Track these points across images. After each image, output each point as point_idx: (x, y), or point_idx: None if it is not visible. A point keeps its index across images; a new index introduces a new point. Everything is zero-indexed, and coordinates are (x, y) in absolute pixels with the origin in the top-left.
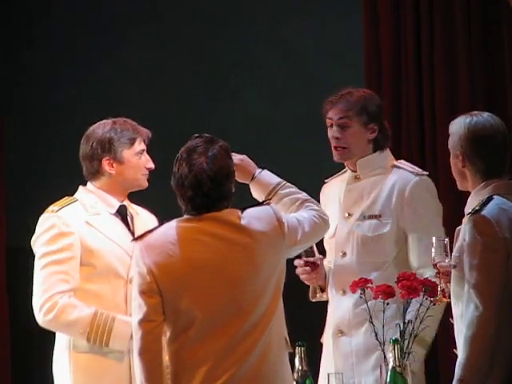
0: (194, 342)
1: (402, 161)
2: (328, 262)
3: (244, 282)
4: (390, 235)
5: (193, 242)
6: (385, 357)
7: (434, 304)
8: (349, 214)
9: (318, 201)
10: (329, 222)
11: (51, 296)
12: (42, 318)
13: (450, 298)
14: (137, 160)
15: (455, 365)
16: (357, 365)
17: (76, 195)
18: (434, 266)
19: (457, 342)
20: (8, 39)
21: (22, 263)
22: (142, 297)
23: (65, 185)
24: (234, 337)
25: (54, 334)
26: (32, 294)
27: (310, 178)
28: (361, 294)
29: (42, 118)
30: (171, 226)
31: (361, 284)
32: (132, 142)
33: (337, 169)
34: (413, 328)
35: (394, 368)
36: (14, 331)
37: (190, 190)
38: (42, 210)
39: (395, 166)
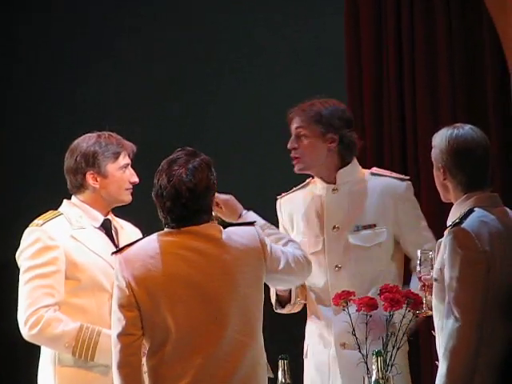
0: (171, 358)
1: (376, 168)
2: (311, 278)
3: (221, 299)
4: (387, 243)
5: (172, 256)
6: (368, 369)
7: (417, 317)
8: (336, 227)
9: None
10: (311, 266)
11: (36, 310)
12: (27, 332)
13: (432, 330)
14: (120, 174)
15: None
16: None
17: (60, 209)
18: (419, 278)
19: (438, 354)
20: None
21: (7, 277)
22: (120, 310)
23: (50, 199)
24: (213, 355)
25: (38, 347)
26: (17, 309)
27: None
28: (343, 306)
29: (32, 132)
30: (151, 239)
31: (343, 296)
32: (116, 156)
33: None
34: (396, 340)
35: (377, 380)
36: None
37: (168, 200)
38: (27, 224)
39: (373, 174)
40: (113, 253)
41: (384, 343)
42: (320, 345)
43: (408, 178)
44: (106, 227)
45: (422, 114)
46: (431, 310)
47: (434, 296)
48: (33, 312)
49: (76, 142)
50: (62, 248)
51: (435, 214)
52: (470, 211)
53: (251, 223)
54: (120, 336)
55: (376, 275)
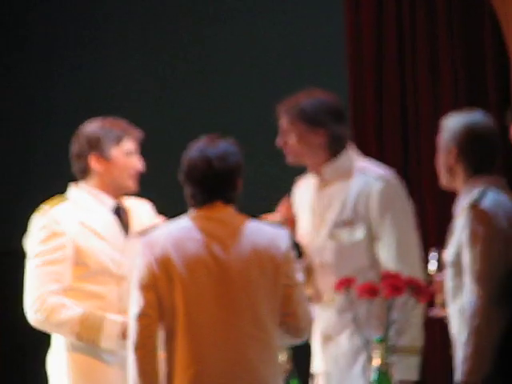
0: (187, 344)
1: (364, 162)
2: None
3: (239, 291)
4: (365, 241)
5: (194, 242)
6: (370, 356)
7: (419, 303)
8: (321, 222)
9: None
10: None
11: (41, 295)
12: (32, 317)
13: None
14: (124, 159)
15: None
16: (346, 368)
17: (67, 194)
18: (431, 279)
19: (455, 338)
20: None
21: (9, 267)
22: (139, 291)
23: (52, 188)
24: (222, 346)
25: (44, 335)
26: (22, 297)
27: None
28: (346, 293)
29: (29, 123)
30: (176, 224)
31: (345, 283)
32: (119, 139)
33: None
34: (397, 327)
35: (378, 367)
36: (3, 336)
37: (200, 172)
38: (29, 213)
39: (359, 171)
40: (136, 234)
41: (385, 330)
42: (315, 334)
43: (390, 174)
44: (116, 211)
45: (424, 103)
46: (444, 309)
47: (448, 280)
48: (38, 297)
49: (81, 126)
50: (70, 234)
51: (437, 202)
52: (485, 191)
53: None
54: (137, 317)
55: (357, 272)
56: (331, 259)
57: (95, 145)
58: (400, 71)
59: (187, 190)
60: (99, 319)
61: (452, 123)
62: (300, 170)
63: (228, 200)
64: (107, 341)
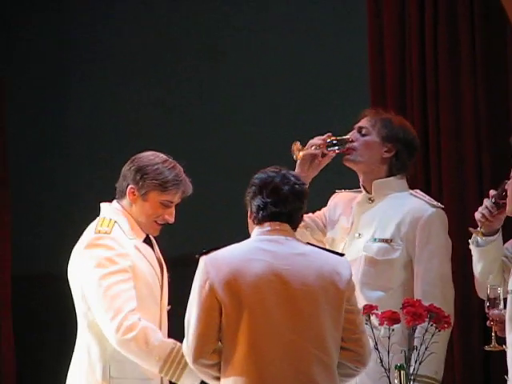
0: (252, 364)
1: (418, 190)
2: None
3: (305, 314)
4: (399, 261)
5: (260, 263)
6: (390, 383)
7: (440, 330)
8: (359, 235)
9: None
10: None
11: (126, 315)
12: (120, 336)
13: (504, 345)
14: (157, 206)
15: None
16: None
17: (112, 216)
18: (487, 314)
19: (510, 368)
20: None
21: (26, 291)
22: (199, 312)
23: (72, 214)
24: (286, 365)
25: (62, 361)
26: (41, 322)
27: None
28: (366, 320)
29: (47, 148)
30: (240, 244)
31: (366, 310)
32: (164, 189)
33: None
34: (418, 354)
35: None
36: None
37: (273, 198)
38: (46, 239)
39: (411, 195)
40: (199, 255)
41: (406, 357)
42: None
43: (442, 206)
44: (148, 240)
45: (445, 121)
46: (500, 345)
47: (508, 308)
48: (124, 317)
49: (143, 154)
50: (131, 257)
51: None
52: None
53: (341, 254)
54: (196, 337)
55: (382, 289)
56: (361, 273)
57: (138, 179)
58: (422, 105)
59: (256, 205)
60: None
61: None
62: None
63: (294, 224)
64: (189, 377)
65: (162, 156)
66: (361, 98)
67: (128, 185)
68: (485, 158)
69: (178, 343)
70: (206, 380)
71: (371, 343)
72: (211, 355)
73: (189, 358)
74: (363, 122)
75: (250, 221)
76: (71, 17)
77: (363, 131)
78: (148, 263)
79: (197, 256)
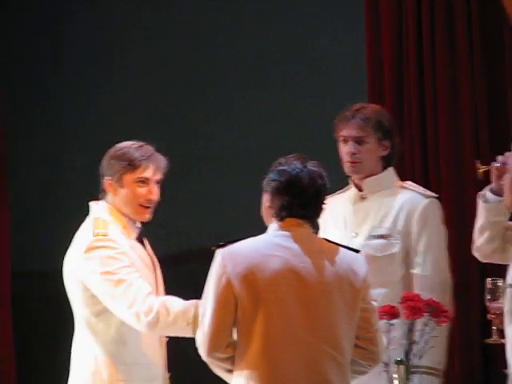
0: (266, 361)
1: (409, 182)
2: None
3: (321, 311)
4: (399, 255)
5: (276, 258)
6: (390, 378)
7: (439, 325)
8: (356, 234)
9: None
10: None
11: (143, 300)
12: (143, 322)
13: (503, 337)
14: (135, 187)
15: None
16: None
17: (105, 217)
18: (488, 307)
19: (510, 361)
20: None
21: (26, 287)
22: (215, 305)
23: (70, 211)
24: (299, 361)
25: (61, 356)
26: (39, 318)
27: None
28: None
29: (47, 144)
30: (257, 238)
31: None
32: (135, 166)
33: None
34: (417, 348)
35: None
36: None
37: (295, 194)
38: (44, 235)
39: (403, 187)
40: (215, 247)
41: (406, 351)
42: None
43: (435, 195)
44: (140, 237)
45: (443, 117)
46: (501, 338)
47: (507, 301)
48: (141, 303)
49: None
50: (129, 255)
51: (455, 219)
52: None
53: (356, 250)
54: (211, 330)
55: (384, 284)
56: None
57: (111, 166)
58: (420, 91)
59: (280, 203)
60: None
61: None
62: None
63: (312, 219)
64: None
65: (130, 142)
66: (358, 93)
67: (103, 177)
68: (483, 143)
69: (199, 301)
70: (219, 373)
71: (385, 341)
72: (225, 349)
73: (203, 351)
74: (357, 132)
75: (266, 211)
76: None
77: (362, 140)
78: (143, 263)
79: (213, 249)
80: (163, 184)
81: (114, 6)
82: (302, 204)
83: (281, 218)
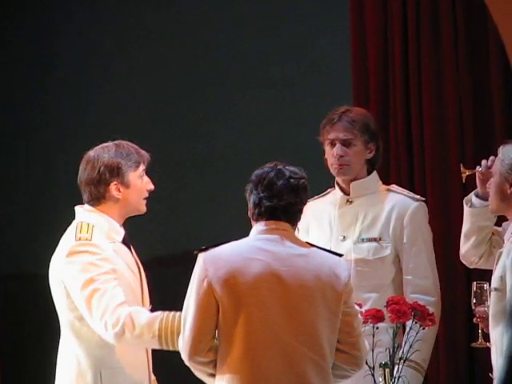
0: (247, 364)
1: (394, 185)
2: None
3: (302, 315)
4: (390, 258)
5: (257, 262)
6: (375, 381)
7: (424, 328)
8: (344, 237)
9: None
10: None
11: (112, 311)
12: (110, 333)
13: (489, 341)
14: (140, 183)
15: None
16: None
17: (89, 220)
18: (473, 310)
19: (494, 365)
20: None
21: (14, 290)
22: (196, 310)
23: (63, 214)
24: (279, 364)
25: (50, 362)
26: (28, 321)
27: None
28: None
29: (39, 146)
30: (238, 242)
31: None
32: (137, 165)
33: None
34: (402, 352)
35: None
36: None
37: (270, 193)
38: (34, 238)
39: (390, 191)
40: (197, 251)
41: (391, 355)
42: None
43: (423, 199)
44: (126, 241)
45: (428, 120)
46: (487, 341)
47: (492, 305)
48: (110, 314)
49: (93, 153)
50: (112, 260)
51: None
52: None
53: (339, 254)
54: (192, 334)
55: (375, 288)
56: (352, 276)
57: (116, 173)
58: (405, 95)
59: (252, 202)
60: (176, 317)
61: (511, 153)
62: None
63: (292, 221)
64: None
65: (110, 144)
66: (344, 95)
67: (109, 184)
68: (468, 148)
69: (165, 313)
70: (201, 377)
71: (367, 346)
72: (207, 353)
73: (184, 355)
74: (344, 135)
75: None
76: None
77: (349, 143)
78: (127, 266)
79: (195, 252)
80: (166, 182)
81: (114, 5)
82: (271, 196)
83: (256, 216)
